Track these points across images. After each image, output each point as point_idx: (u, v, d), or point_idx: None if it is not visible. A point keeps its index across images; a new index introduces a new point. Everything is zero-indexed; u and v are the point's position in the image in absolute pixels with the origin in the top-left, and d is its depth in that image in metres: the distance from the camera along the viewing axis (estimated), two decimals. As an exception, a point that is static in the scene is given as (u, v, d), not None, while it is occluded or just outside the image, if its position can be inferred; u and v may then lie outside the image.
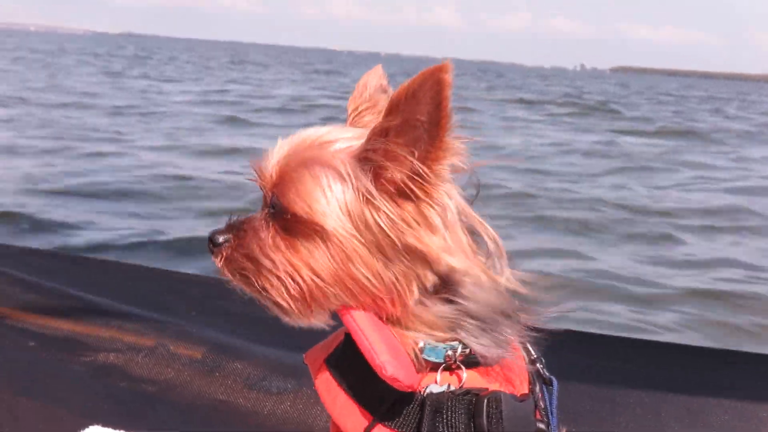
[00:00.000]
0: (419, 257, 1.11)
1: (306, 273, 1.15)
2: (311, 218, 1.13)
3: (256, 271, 1.18)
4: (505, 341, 1.18)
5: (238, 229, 1.20)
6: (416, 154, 1.08)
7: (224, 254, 1.20)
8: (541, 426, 1.22)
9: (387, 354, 1.12)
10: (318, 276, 1.14)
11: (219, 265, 1.21)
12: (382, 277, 1.11)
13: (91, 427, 2.03)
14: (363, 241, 1.12)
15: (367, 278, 1.12)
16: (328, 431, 1.89)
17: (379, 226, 1.11)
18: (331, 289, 1.15)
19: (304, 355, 1.33)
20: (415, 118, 1.08)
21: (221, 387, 2.33)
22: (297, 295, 1.16)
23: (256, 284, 1.18)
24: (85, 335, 2.53)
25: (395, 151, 1.09)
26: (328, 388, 1.24)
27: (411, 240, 1.10)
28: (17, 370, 2.39)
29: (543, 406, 1.26)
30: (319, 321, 1.21)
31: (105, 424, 2.05)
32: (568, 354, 1.69)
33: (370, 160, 1.11)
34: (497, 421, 1.13)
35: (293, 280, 1.15)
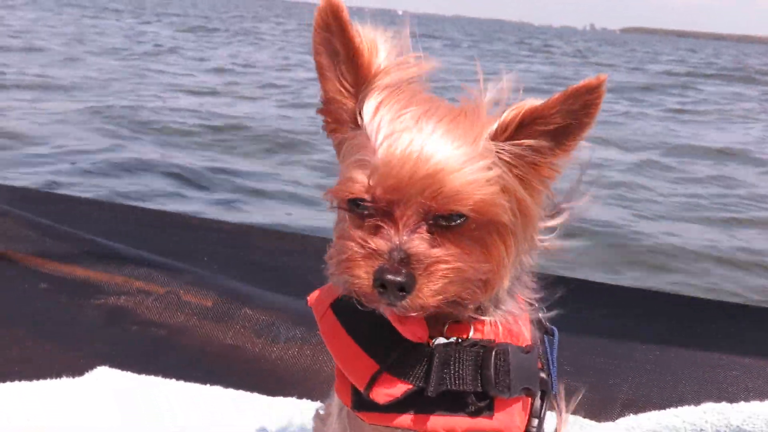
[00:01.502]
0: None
1: (489, 269, 1.12)
2: (494, 218, 1.09)
3: (460, 286, 1.10)
4: (512, 293, 1.18)
5: (405, 261, 1.06)
6: (557, 150, 1.12)
7: (421, 288, 1.07)
8: (543, 376, 1.24)
9: (413, 323, 1.13)
10: (497, 269, 1.13)
11: (425, 300, 1.07)
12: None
13: (99, 368, 2.05)
14: (521, 230, 1.13)
15: (508, 265, 1.14)
16: (334, 378, 1.91)
17: (532, 214, 1.12)
18: (499, 279, 1.14)
19: (308, 298, 1.32)
20: (568, 122, 1.09)
21: (230, 332, 2.34)
22: (484, 292, 1.14)
23: (463, 300, 1.11)
24: (97, 280, 2.55)
25: (545, 146, 1.11)
26: (333, 333, 1.24)
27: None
28: (29, 312, 2.42)
29: (544, 356, 1.27)
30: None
31: (113, 366, 2.07)
32: (576, 305, 1.68)
33: (519, 155, 1.11)
34: (504, 373, 1.14)
35: (482, 280, 1.12)
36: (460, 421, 1.18)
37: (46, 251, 2.69)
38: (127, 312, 2.40)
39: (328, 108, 1.20)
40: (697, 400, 1.92)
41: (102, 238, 2.83)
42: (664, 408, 1.94)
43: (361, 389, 1.17)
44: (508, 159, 1.10)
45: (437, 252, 1.07)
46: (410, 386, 1.15)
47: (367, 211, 1.09)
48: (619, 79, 22.29)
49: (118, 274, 2.56)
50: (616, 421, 1.89)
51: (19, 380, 1.98)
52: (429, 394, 1.14)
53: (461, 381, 1.15)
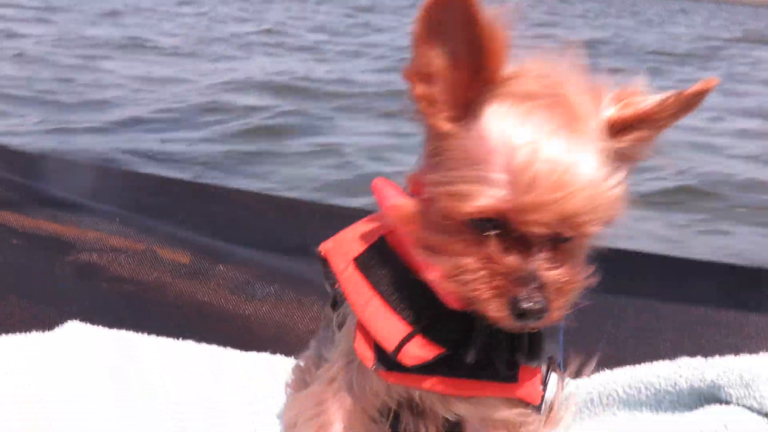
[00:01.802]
0: None
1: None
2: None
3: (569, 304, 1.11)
4: None
5: (542, 287, 1.05)
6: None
7: (552, 307, 1.07)
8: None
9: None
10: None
11: (553, 318, 1.08)
12: None
13: (69, 322, 2.04)
14: None
15: None
16: (308, 336, 1.91)
17: None
18: None
19: (320, 247, 1.31)
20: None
21: (203, 288, 2.35)
22: None
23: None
24: (69, 236, 2.51)
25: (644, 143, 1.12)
26: (358, 290, 1.22)
27: None
28: (0, 267, 2.41)
29: None
30: None
31: (84, 321, 2.06)
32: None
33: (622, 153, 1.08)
34: (537, 342, 1.18)
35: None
36: (488, 386, 1.20)
37: (19, 207, 2.65)
38: (100, 268, 2.38)
39: (422, 81, 1.08)
40: (672, 356, 1.92)
41: (76, 195, 2.80)
42: (640, 364, 1.95)
43: (390, 350, 1.16)
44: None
45: (564, 274, 1.07)
46: (442, 350, 1.15)
47: (485, 230, 1.05)
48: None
49: (91, 230, 2.53)
50: (591, 376, 1.90)
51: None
52: (468, 360, 1.15)
53: (497, 347, 1.15)
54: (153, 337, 2.09)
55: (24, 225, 2.56)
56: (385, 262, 1.21)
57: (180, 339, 2.11)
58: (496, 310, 1.04)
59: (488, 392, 1.21)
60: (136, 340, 2.06)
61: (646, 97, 1.09)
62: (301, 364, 1.60)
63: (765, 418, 1.81)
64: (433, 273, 1.11)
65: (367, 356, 1.21)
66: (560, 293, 1.06)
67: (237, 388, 2.02)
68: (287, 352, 2.09)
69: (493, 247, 1.04)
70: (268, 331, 2.24)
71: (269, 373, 2.05)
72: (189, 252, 2.48)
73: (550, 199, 0.98)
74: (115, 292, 2.35)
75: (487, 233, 1.04)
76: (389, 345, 1.16)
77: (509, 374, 1.18)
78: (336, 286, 1.31)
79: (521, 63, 1.05)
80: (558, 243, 1.06)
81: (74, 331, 2.02)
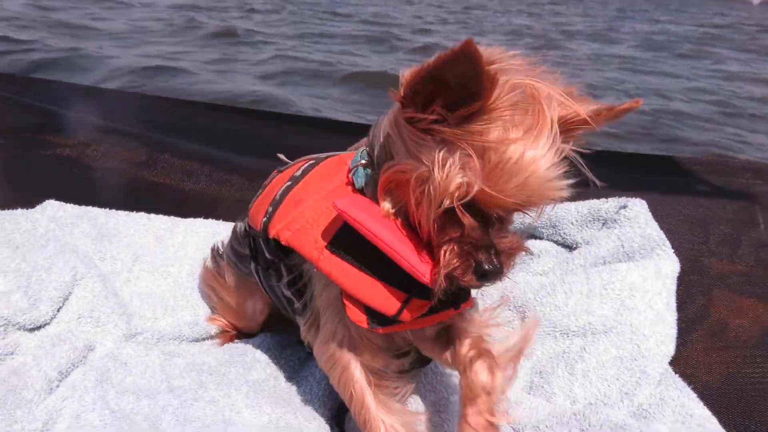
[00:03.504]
0: None
1: None
2: None
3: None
4: None
5: (498, 253, 1.23)
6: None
7: (505, 270, 1.24)
8: None
9: (420, 264, 1.28)
10: None
11: (503, 279, 1.26)
12: None
13: (47, 201, 2.32)
14: None
15: None
16: (234, 205, 2.22)
17: None
18: None
19: (277, 234, 1.42)
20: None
21: (154, 172, 2.69)
22: None
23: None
24: (45, 138, 2.84)
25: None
26: (344, 271, 1.33)
27: None
28: None
29: None
30: None
31: (59, 200, 2.35)
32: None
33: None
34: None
35: None
36: (446, 314, 1.41)
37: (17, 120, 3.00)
38: (71, 160, 2.71)
39: (412, 100, 1.19)
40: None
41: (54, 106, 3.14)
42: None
43: (391, 314, 1.32)
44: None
45: (511, 242, 1.26)
46: (430, 303, 1.34)
47: (461, 213, 1.21)
48: None
49: (63, 136, 2.86)
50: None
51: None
52: (455, 307, 1.40)
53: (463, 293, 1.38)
54: (114, 211, 2.37)
55: (9, 127, 2.91)
56: (355, 244, 1.32)
57: (134, 212, 2.39)
58: (465, 274, 1.23)
59: (446, 317, 1.43)
60: (100, 214, 2.34)
61: (587, 104, 1.23)
62: (209, 264, 1.95)
63: (567, 249, 2.31)
64: (395, 232, 1.28)
65: (362, 320, 1.35)
66: (509, 257, 1.25)
67: (179, 247, 2.32)
68: (217, 217, 2.46)
69: (466, 223, 1.22)
70: (202, 202, 2.56)
71: (208, 233, 2.38)
72: (142, 146, 2.83)
73: (515, 190, 1.17)
74: (83, 177, 2.64)
75: (457, 213, 1.20)
76: (390, 310, 1.32)
77: (460, 305, 1.40)
78: (302, 267, 1.48)
79: (502, 83, 1.15)
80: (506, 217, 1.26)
81: (52, 207, 2.30)
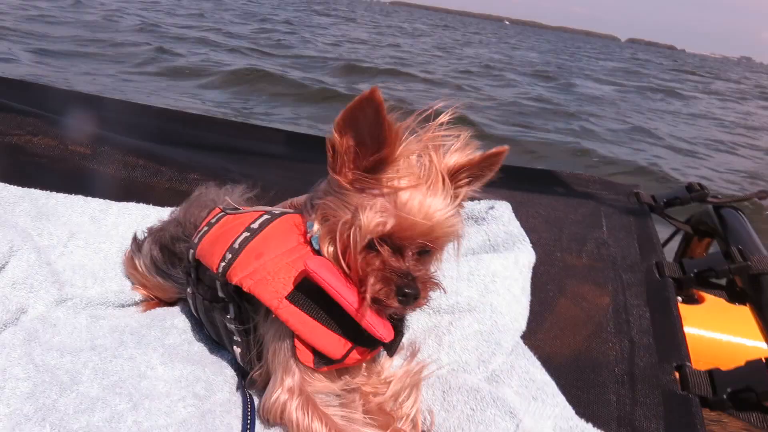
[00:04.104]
0: None
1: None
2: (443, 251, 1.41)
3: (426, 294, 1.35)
4: None
5: (414, 279, 1.31)
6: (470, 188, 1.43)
7: (422, 295, 1.32)
8: None
9: (381, 327, 1.35)
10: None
11: (421, 303, 1.34)
12: None
13: None
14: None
15: None
16: (164, 194, 2.18)
17: None
18: None
19: (239, 282, 1.42)
20: (483, 172, 1.43)
21: (93, 161, 2.64)
22: None
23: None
24: None
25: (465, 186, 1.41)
26: (302, 321, 1.37)
27: None
28: None
29: None
30: None
31: (4, 182, 2.27)
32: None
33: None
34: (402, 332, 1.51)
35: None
36: (376, 350, 1.49)
37: None
38: (15, 147, 2.61)
39: (336, 157, 1.32)
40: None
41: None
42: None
43: (338, 357, 1.38)
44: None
45: (423, 272, 1.34)
46: (368, 350, 1.42)
47: (380, 246, 1.31)
48: None
49: (14, 126, 2.72)
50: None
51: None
52: (390, 354, 1.50)
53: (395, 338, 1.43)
54: (53, 193, 2.31)
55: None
56: (313, 297, 1.36)
57: (72, 194, 2.34)
58: (390, 298, 1.30)
59: (373, 354, 1.50)
60: (40, 195, 2.28)
61: (468, 152, 1.35)
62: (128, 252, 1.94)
63: None
64: (356, 295, 1.33)
65: (309, 360, 1.39)
66: (425, 285, 1.32)
67: (112, 227, 2.27)
68: (149, 203, 2.43)
69: (384, 256, 1.31)
70: (136, 189, 2.52)
71: (139, 215, 2.34)
72: (84, 138, 2.75)
73: (419, 227, 1.29)
74: (29, 162, 2.56)
75: (379, 250, 1.31)
76: (337, 355, 1.38)
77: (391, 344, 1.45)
78: (259, 311, 1.47)
79: (407, 140, 1.29)
80: (421, 255, 1.35)
81: None
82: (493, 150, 1.36)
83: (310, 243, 1.42)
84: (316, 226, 1.40)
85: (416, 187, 1.28)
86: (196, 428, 1.42)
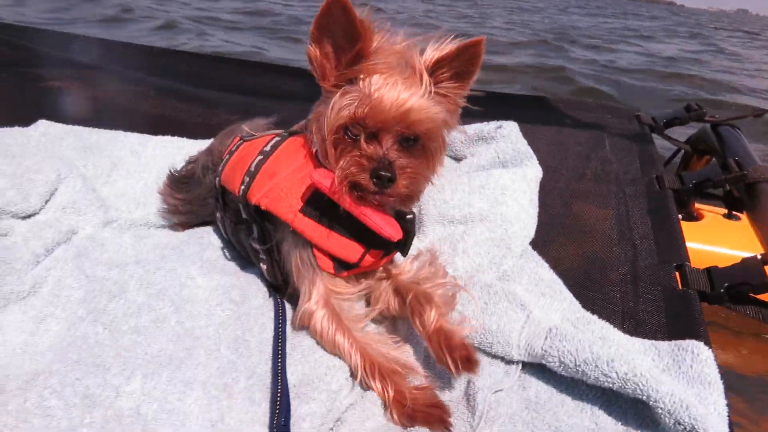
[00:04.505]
0: None
1: (431, 174, 1.33)
2: (436, 138, 1.28)
3: (415, 186, 1.28)
4: None
5: (389, 165, 1.23)
6: (458, 88, 1.31)
7: (399, 181, 1.23)
8: None
9: (388, 226, 1.30)
10: (433, 176, 1.34)
11: (400, 189, 1.25)
12: None
13: (40, 120, 2.25)
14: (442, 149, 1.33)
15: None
16: (196, 126, 2.16)
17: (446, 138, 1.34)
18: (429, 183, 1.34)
19: (257, 201, 1.39)
20: (463, 68, 1.29)
21: (131, 100, 2.63)
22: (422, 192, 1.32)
23: (414, 193, 1.30)
24: (39, 75, 2.73)
25: (451, 84, 1.30)
26: (316, 230, 1.34)
27: None
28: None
29: None
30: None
31: (50, 120, 2.28)
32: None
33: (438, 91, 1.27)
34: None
35: (424, 183, 1.32)
36: (391, 255, 1.45)
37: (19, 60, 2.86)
38: (61, 90, 2.61)
39: (315, 66, 1.26)
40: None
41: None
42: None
43: (354, 261, 1.35)
44: (434, 92, 1.25)
45: (406, 161, 1.24)
46: (381, 252, 1.38)
47: (356, 136, 1.24)
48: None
49: (58, 73, 2.75)
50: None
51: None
52: (403, 254, 1.42)
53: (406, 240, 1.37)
54: (96, 129, 2.29)
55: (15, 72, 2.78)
56: (324, 208, 1.32)
57: (113, 129, 2.32)
58: (365, 180, 1.22)
59: (389, 258, 1.46)
60: (84, 131, 2.27)
61: (444, 46, 1.25)
62: (170, 193, 1.87)
63: (456, 161, 2.31)
64: (329, 179, 1.26)
65: (329, 266, 1.37)
66: (403, 173, 1.23)
67: (150, 158, 2.24)
68: (183, 135, 2.39)
69: (360, 143, 1.24)
70: (172, 122, 2.49)
71: (174, 147, 2.30)
72: (123, 82, 2.76)
73: (391, 110, 1.20)
74: (72, 103, 2.54)
75: (356, 137, 1.24)
76: (353, 258, 1.35)
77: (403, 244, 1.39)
78: (279, 228, 1.43)
79: (380, 39, 1.21)
80: (405, 145, 1.25)
81: (44, 126, 2.23)
82: (469, 41, 1.24)
83: (316, 157, 1.38)
84: (315, 138, 1.35)
85: (389, 75, 1.21)
86: (233, 328, 1.42)
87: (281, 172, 1.39)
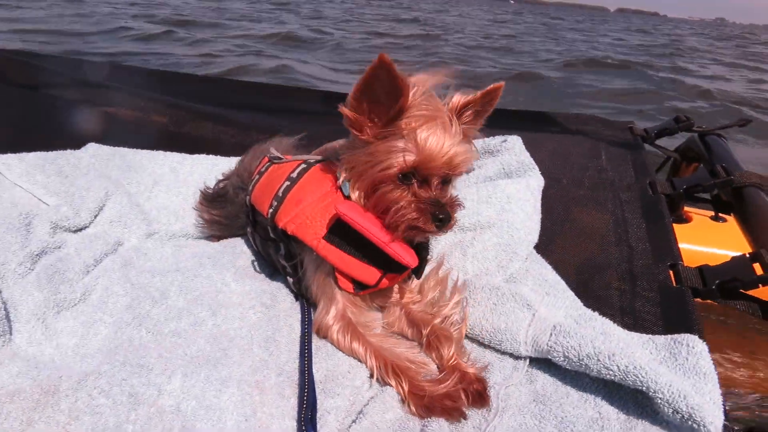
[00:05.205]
0: None
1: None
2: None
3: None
4: None
5: (444, 205, 1.24)
6: (475, 123, 1.34)
7: (452, 218, 1.26)
8: None
9: (407, 255, 1.29)
10: None
11: (453, 225, 1.26)
12: None
13: (90, 143, 2.23)
14: None
15: None
16: (233, 147, 2.14)
17: None
18: None
19: (284, 226, 1.38)
20: (482, 108, 1.33)
21: (171, 123, 2.62)
22: None
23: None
24: (87, 99, 2.73)
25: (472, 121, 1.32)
26: (338, 256, 1.33)
27: None
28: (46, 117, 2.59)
29: None
30: None
31: (98, 143, 2.26)
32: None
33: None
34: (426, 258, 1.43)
35: None
36: (403, 275, 1.42)
37: (57, 83, 2.87)
38: (109, 115, 2.61)
39: (352, 122, 1.25)
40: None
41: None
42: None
43: (371, 284, 1.34)
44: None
45: (448, 197, 1.27)
46: (397, 275, 1.38)
47: (408, 181, 1.25)
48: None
49: (103, 101, 2.74)
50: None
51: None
52: (418, 278, 1.43)
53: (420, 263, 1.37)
54: (138, 150, 2.28)
55: (54, 92, 2.78)
56: (345, 235, 1.31)
57: (153, 149, 2.30)
58: (426, 223, 1.23)
59: (403, 277, 1.43)
60: (128, 152, 2.26)
61: (468, 92, 1.28)
62: (204, 210, 1.85)
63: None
64: (381, 230, 1.27)
65: (349, 287, 1.37)
66: (453, 208, 1.26)
67: (188, 174, 2.21)
68: (219, 153, 2.38)
69: (413, 188, 1.25)
70: (204, 143, 2.47)
71: (210, 164, 2.27)
72: (166, 108, 2.74)
73: (439, 158, 1.22)
74: (117, 126, 2.57)
75: (407, 183, 1.25)
76: (371, 281, 1.35)
77: (417, 268, 1.39)
78: (303, 248, 1.42)
79: (414, 88, 1.21)
80: (444, 183, 1.29)
81: (93, 148, 2.22)
82: (490, 87, 1.29)
83: (340, 189, 1.37)
84: (343, 176, 1.35)
85: (431, 126, 1.22)
86: (264, 328, 1.41)
87: (306, 199, 1.38)
